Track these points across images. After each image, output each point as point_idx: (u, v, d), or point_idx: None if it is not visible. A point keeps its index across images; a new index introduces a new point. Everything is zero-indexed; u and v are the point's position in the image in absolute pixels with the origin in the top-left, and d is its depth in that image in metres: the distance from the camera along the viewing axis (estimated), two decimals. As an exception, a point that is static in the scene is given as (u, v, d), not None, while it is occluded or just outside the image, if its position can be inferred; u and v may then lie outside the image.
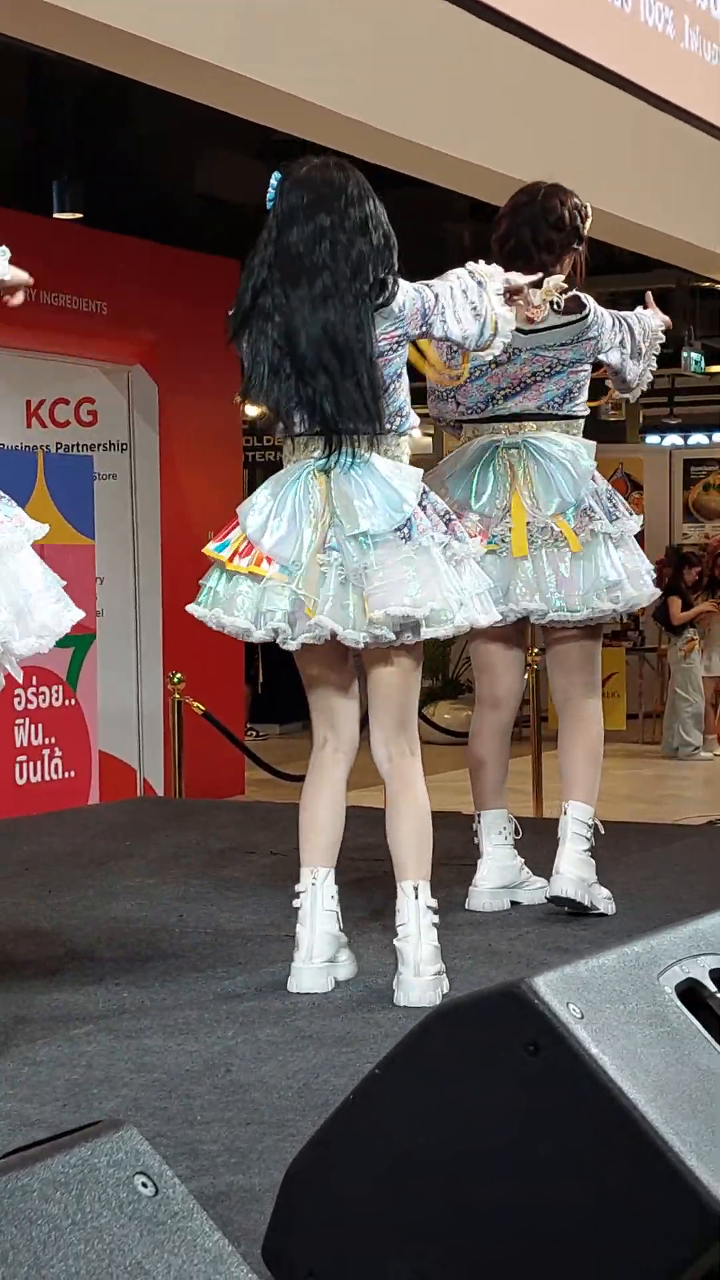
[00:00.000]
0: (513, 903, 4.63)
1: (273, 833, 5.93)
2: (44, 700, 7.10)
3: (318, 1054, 3.27)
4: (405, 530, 3.67)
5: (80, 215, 9.95)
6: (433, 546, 3.67)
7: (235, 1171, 2.64)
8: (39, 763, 7.14)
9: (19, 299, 3.52)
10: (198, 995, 3.73)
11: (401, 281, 3.76)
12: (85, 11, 5.33)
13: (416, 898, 3.72)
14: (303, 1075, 3.14)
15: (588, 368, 4.60)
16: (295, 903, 3.81)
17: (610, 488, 4.62)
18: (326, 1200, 2.01)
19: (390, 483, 3.70)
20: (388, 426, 3.74)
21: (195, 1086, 3.08)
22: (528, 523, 4.47)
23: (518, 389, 4.55)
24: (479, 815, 4.68)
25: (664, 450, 17.14)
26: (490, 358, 4.06)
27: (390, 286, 3.72)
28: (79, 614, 3.40)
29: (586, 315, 4.50)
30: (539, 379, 4.54)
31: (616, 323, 4.59)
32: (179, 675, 7.93)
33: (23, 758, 7.04)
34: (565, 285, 4.50)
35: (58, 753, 7.12)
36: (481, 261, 3.97)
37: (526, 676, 5.00)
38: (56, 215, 9.87)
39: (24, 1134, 2.77)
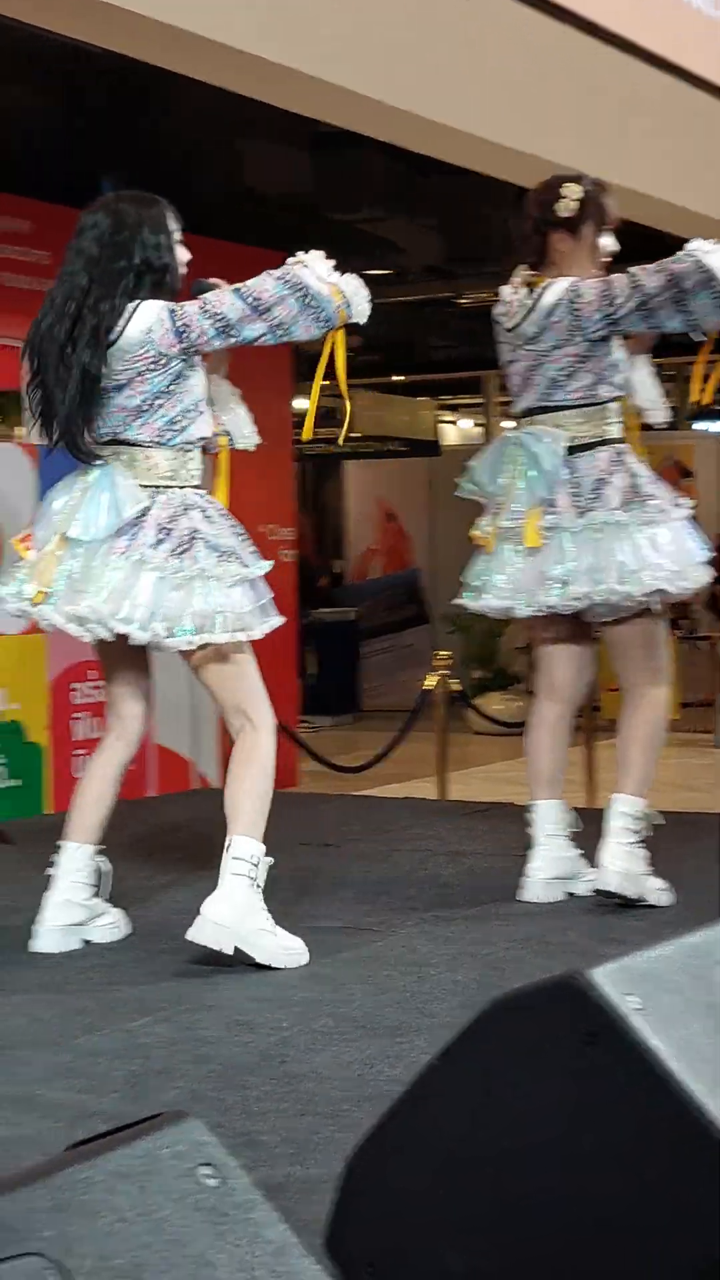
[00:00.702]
0: (569, 894, 4.62)
1: (324, 824, 5.94)
2: (101, 695, 7.11)
3: (372, 1045, 3.28)
4: (120, 542, 4.03)
5: (127, 210, 9.96)
6: (144, 565, 4.00)
7: (294, 1163, 2.64)
8: (95, 756, 7.16)
9: None
10: (253, 986, 3.74)
11: (149, 304, 4.07)
12: (127, 5, 5.33)
13: (233, 850, 4.11)
14: (357, 1066, 3.14)
15: (573, 353, 4.53)
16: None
17: (610, 474, 4.49)
18: (385, 1193, 2.01)
19: (118, 495, 4.06)
20: (154, 440, 4.11)
21: (251, 1077, 3.09)
22: (496, 517, 4.60)
23: (522, 387, 4.64)
24: (533, 806, 4.67)
25: (714, 436, 17.05)
26: (362, 320, 4.12)
27: (112, 315, 4.08)
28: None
29: (534, 305, 4.54)
30: (532, 373, 4.61)
31: (607, 291, 4.47)
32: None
33: (80, 751, 7.05)
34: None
35: (113, 746, 7.14)
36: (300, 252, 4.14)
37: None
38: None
39: (84, 1125, 2.79)
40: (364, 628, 15.34)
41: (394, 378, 17.22)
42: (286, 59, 5.98)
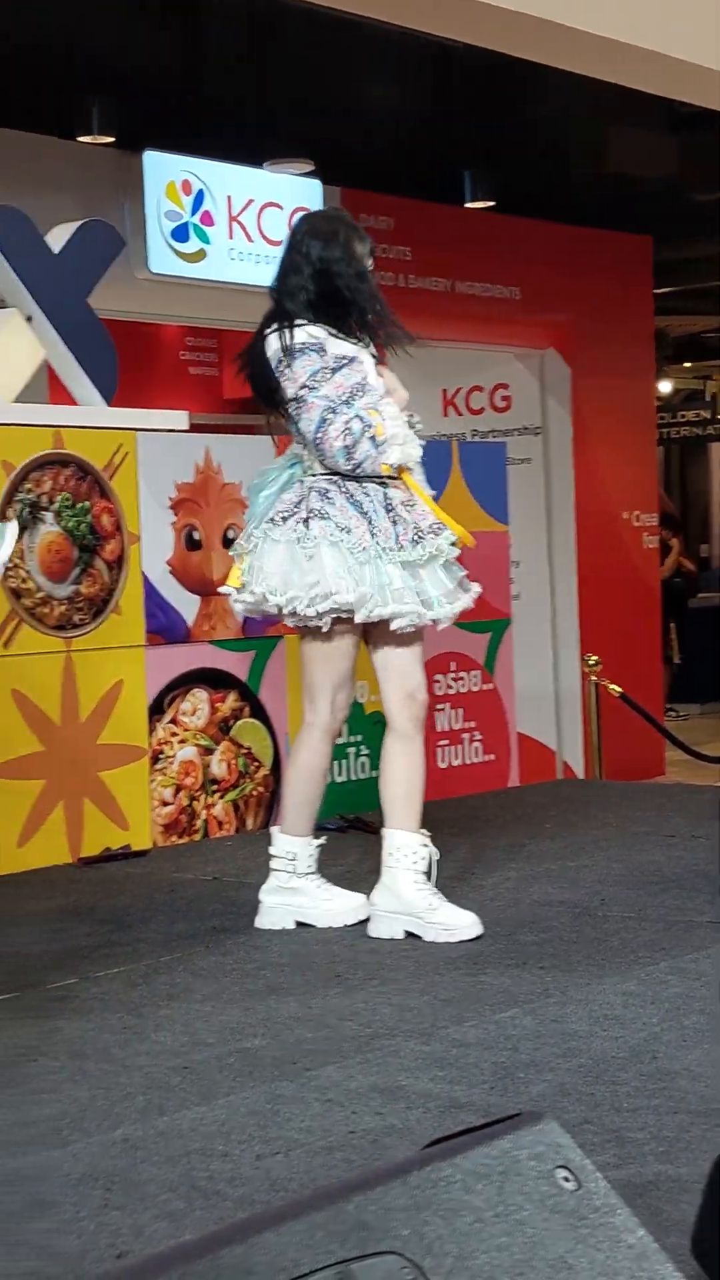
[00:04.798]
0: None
1: (692, 816, 5.85)
2: (463, 685, 7.16)
3: (745, 1043, 3.21)
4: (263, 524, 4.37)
5: (493, 203, 10.01)
6: (270, 541, 4.32)
7: (663, 1161, 2.61)
8: (459, 746, 7.21)
9: None
10: (621, 980, 3.71)
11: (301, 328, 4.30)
12: (495, 1, 5.35)
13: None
14: (729, 1064, 3.09)
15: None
16: None
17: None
18: (755, 1194, 1.96)
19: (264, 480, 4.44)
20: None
21: (621, 1073, 3.06)
22: None
23: None
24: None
25: None
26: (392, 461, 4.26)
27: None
28: None
29: None
30: None
31: None
32: (594, 658, 7.91)
33: (444, 742, 7.12)
34: None
35: (477, 736, 7.17)
36: None
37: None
38: (469, 205, 9.94)
39: (454, 1116, 2.80)
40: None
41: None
42: (651, 43, 5.92)
